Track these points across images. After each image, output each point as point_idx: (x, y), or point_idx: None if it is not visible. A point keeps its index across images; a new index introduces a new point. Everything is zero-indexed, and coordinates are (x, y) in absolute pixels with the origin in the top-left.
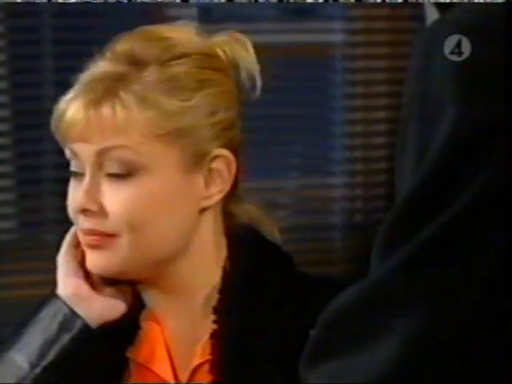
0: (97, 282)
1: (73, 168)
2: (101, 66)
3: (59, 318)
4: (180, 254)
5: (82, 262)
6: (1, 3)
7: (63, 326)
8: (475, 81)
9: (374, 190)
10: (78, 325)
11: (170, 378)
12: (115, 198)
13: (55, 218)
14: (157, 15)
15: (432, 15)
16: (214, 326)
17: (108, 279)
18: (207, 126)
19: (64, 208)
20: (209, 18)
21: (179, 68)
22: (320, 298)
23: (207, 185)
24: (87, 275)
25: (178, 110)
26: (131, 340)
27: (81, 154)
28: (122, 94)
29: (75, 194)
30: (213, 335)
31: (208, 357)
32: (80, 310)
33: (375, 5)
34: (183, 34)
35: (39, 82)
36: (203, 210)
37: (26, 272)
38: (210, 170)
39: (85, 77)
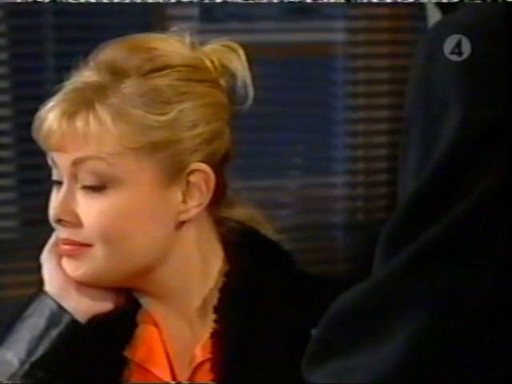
0: None
1: (54, 177)
2: (83, 76)
3: (46, 313)
4: (160, 264)
5: None
6: (2, 3)
7: (51, 322)
8: (476, 81)
9: (376, 189)
10: (65, 319)
11: (167, 378)
12: (90, 209)
13: None
14: (157, 15)
15: (434, 14)
16: (215, 326)
17: None
18: (185, 140)
19: None
20: (209, 18)
21: (160, 80)
22: (321, 297)
23: (185, 198)
24: None
25: (154, 124)
26: (128, 339)
27: (59, 163)
28: (98, 106)
29: (53, 203)
30: (213, 334)
31: (209, 355)
32: (67, 305)
33: (376, 4)
34: (171, 44)
35: (40, 82)
36: (182, 223)
37: (27, 271)
38: (188, 183)
39: (67, 86)
